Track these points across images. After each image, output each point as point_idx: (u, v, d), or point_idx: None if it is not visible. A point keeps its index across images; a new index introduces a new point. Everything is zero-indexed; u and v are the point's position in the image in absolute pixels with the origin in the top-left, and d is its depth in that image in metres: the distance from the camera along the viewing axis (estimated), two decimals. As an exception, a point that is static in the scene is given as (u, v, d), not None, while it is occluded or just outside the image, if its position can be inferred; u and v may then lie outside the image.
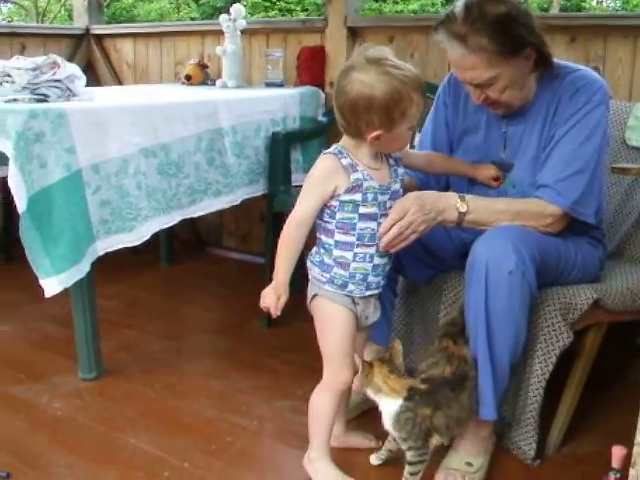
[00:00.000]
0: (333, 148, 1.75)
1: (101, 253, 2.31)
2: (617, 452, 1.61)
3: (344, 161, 1.71)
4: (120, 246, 2.35)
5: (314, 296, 1.82)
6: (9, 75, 2.36)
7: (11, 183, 2.11)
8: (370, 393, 1.75)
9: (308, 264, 1.85)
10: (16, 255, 3.68)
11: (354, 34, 3.19)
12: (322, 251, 1.80)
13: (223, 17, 3.24)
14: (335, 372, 1.81)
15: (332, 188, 1.72)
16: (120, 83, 3.99)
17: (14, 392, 2.33)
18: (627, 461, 1.56)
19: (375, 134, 1.68)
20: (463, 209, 1.83)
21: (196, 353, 2.66)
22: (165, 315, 3.07)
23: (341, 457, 1.92)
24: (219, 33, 3.49)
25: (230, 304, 3.17)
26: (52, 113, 2.16)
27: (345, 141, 1.75)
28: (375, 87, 1.63)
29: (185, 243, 3.92)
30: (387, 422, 1.74)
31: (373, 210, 1.75)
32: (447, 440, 1.80)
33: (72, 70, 2.46)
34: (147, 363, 2.56)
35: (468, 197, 1.86)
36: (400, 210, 1.75)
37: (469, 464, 1.86)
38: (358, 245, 1.76)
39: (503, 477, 1.90)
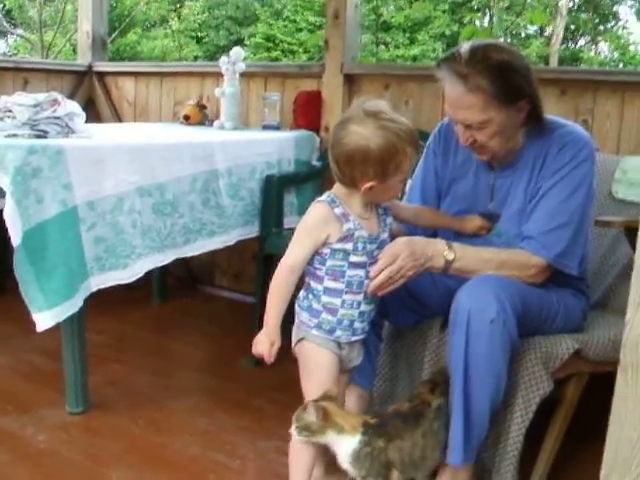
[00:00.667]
0: (326, 196, 1.80)
1: (94, 289, 2.35)
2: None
3: (337, 210, 1.76)
4: (113, 283, 2.38)
5: (300, 340, 1.86)
6: (10, 110, 2.42)
7: (7, 217, 2.15)
8: (328, 436, 1.74)
9: (296, 308, 1.88)
10: (9, 287, 3.70)
11: (350, 81, 3.27)
12: (311, 296, 1.84)
13: (223, 60, 3.31)
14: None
15: (324, 236, 1.76)
16: (120, 120, 4.06)
17: (0, 423, 2.34)
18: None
19: (369, 185, 1.73)
20: (450, 257, 1.88)
21: (182, 390, 2.68)
22: (154, 351, 3.09)
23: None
24: (218, 75, 3.57)
25: (219, 342, 3.19)
26: (50, 149, 2.21)
27: (338, 189, 1.80)
28: (371, 140, 1.69)
29: (178, 280, 3.95)
30: (346, 461, 1.75)
31: (362, 259, 1.79)
32: (409, 476, 1.81)
33: (72, 108, 2.53)
34: (133, 399, 2.57)
35: (455, 245, 1.91)
36: (390, 255, 1.80)
37: (449, 511, 1.87)
38: (347, 292, 1.80)
39: (482, 524, 1.91)
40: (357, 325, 1.84)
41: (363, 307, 1.83)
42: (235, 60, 3.28)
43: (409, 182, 2.38)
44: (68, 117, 2.48)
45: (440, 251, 1.89)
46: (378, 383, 2.22)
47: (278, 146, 3.03)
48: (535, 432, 1.96)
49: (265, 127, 3.34)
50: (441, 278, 2.07)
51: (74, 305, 2.28)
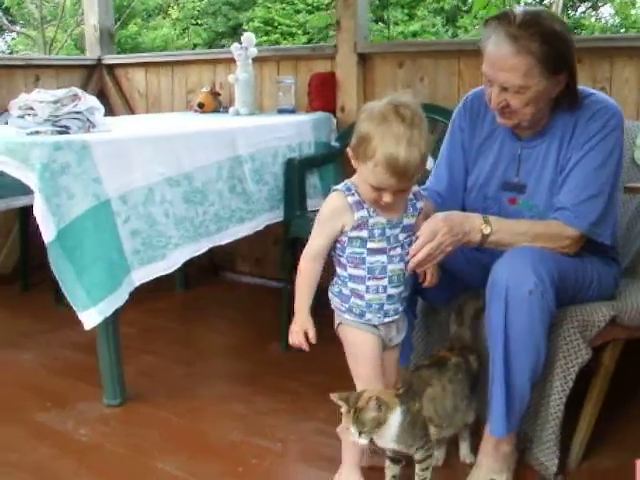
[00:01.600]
0: (342, 185, 1.82)
1: (137, 284, 2.36)
2: (640, 466, 1.64)
3: (350, 199, 1.78)
4: (155, 275, 2.41)
5: (339, 324, 1.90)
6: (31, 108, 2.42)
7: (38, 215, 2.16)
8: (388, 421, 1.75)
9: (329, 295, 1.92)
10: (32, 283, 3.74)
11: (364, 60, 3.27)
12: (339, 282, 1.88)
13: (235, 46, 3.30)
14: None
15: (340, 226, 1.80)
16: (132, 112, 4.05)
17: (40, 419, 2.37)
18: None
19: (350, 153, 1.76)
20: (487, 231, 1.89)
21: (216, 377, 2.70)
22: (183, 341, 3.12)
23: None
24: (230, 61, 3.56)
25: (247, 328, 3.21)
26: (76, 145, 2.22)
27: (356, 177, 1.80)
28: (368, 114, 1.72)
29: (199, 268, 3.96)
30: (392, 440, 1.77)
31: (381, 245, 1.81)
32: (444, 432, 1.88)
33: (92, 102, 2.53)
34: (169, 388, 2.60)
35: (492, 219, 1.92)
36: (430, 232, 1.80)
37: (494, 480, 1.89)
38: (369, 278, 1.83)
39: (526, 493, 1.93)
40: (387, 307, 1.86)
41: (390, 290, 1.85)
42: (247, 45, 3.27)
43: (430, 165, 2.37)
44: (89, 111, 2.48)
45: (477, 225, 1.90)
46: (414, 359, 2.24)
47: (297, 129, 3.03)
48: (573, 401, 1.98)
49: (280, 111, 3.33)
50: (473, 253, 2.08)
51: (120, 298, 2.29)
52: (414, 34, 11.39)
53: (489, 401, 1.88)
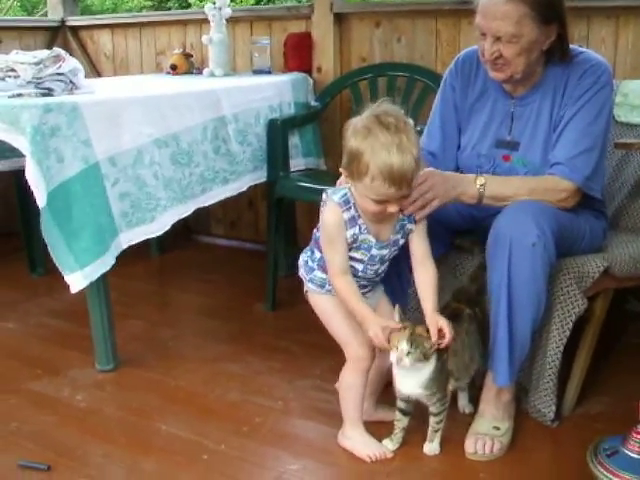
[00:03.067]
0: (340, 196, 1.80)
1: (125, 246, 2.35)
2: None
3: (346, 215, 1.79)
4: (144, 237, 2.40)
5: (306, 292, 1.97)
6: (13, 70, 2.36)
7: (30, 179, 2.12)
8: (429, 361, 1.80)
9: (299, 261, 1.98)
10: (4, 252, 3.66)
11: (340, 20, 3.25)
12: (308, 255, 1.94)
13: (208, 6, 3.25)
14: (351, 352, 1.91)
15: (344, 241, 1.81)
16: (99, 75, 3.96)
17: (35, 388, 2.34)
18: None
19: (344, 173, 1.77)
20: (481, 181, 1.96)
21: (206, 339, 2.71)
22: (166, 303, 3.12)
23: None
24: (201, 22, 3.53)
25: (228, 290, 3.21)
26: (66, 107, 2.18)
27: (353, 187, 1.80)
28: (352, 130, 1.72)
29: (173, 232, 3.93)
30: (420, 385, 1.82)
31: (363, 257, 1.85)
32: (459, 382, 1.95)
33: (74, 63, 2.47)
34: (160, 352, 2.59)
35: (484, 175, 1.99)
36: (422, 176, 1.87)
37: (496, 428, 1.96)
38: None
39: (526, 438, 2.00)
40: None
41: (355, 280, 1.88)
42: (221, 5, 3.22)
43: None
44: (72, 73, 2.43)
45: (471, 179, 1.98)
46: (409, 314, 2.27)
47: (277, 89, 3.01)
48: (565, 350, 2.04)
49: (256, 72, 3.30)
50: (469, 210, 2.13)
51: (106, 263, 2.27)
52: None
53: (491, 351, 1.94)
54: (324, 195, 1.85)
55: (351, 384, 1.93)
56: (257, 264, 3.27)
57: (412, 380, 1.82)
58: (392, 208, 1.74)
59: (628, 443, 1.66)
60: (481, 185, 1.95)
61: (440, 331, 1.79)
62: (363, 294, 1.91)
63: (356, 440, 1.95)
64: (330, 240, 1.82)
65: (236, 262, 3.62)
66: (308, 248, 1.96)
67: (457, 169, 2.23)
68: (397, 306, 1.85)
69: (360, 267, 1.87)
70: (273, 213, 2.87)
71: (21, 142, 2.11)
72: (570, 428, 2.05)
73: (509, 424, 1.99)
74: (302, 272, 1.96)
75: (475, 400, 2.06)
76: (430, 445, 1.92)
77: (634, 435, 1.65)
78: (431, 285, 1.88)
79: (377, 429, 2.00)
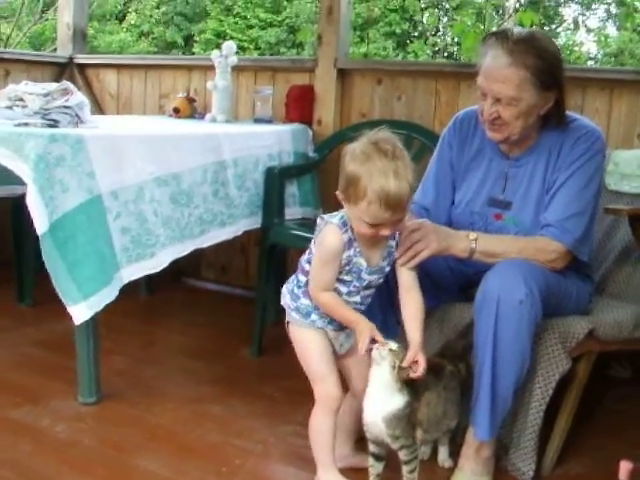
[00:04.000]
0: (338, 218, 1.84)
1: (126, 281, 2.36)
2: (624, 467, 1.72)
3: (345, 236, 1.82)
4: (144, 273, 2.42)
5: (287, 322, 1.97)
6: (22, 99, 2.41)
7: (31, 206, 2.15)
8: (392, 389, 1.82)
9: (283, 290, 1.99)
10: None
11: (343, 75, 3.34)
12: (295, 282, 1.95)
13: (215, 53, 3.34)
14: (324, 391, 1.91)
15: (338, 265, 1.83)
16: (102, 113, 4.02)
17: (14, 415, 2.32)
18: (633, 476, 1.69)
19: (340, 197, 1.81)
20: (473, 237, 2.01)
21: (189, 379, 2.69)
22: (153, 343, 3.11)
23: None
24: (206, 68, 3.60)
25: (215, 333, 3.21)
26: (71, 138, 2.22)
27: (346, 211, 1.84)
28: (352, 156, 1.76)
29: (162, 273, 3.94)
30: (382, 419, 1.82)
31: (350, 279, 1.88)
32: (428, 435, 1.96)
33: (81, 98, 2.53)
34: (143, 389, 2.58)
35: (476, 232, 2.04)
36: (415, 225, 1.95)
37: (475, 483, 1.96)
38: None
39: (504, 496, 2.00)
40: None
41: None
42: (227, 54, 3.31)
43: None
44: (78, 107, 2.48)
45: (462, 235, 2.03)
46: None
47: (277, 138, 3.08)
48: (547, 410, 2.06)
49: (257, 120, 3.37)
50: (458, 265, 2.17)
51: (110, 294, 2.28)
52: (365, 55, 11.55)
53: (473, 407, 1.95)
54: (319, 220, 1.89)
55: (321, 426, 1.92)
56: (246, 310, 3.27)
57: (377, 407, 1.83)
58: (385, 231, 1.78)
59: (606, 504, 1.66)
60: (473, 240, 2.00)
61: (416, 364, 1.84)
62: (345, 328, 1.94)
63: None
64: (326, 261, 1.83)
65: (225, 306, 3.62)
66: (293, 277, 1.97)
67: (450, 225, 2.28)
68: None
69: (345, 289, 1.88)
70: (265, 259, 2.91)
71: (24, 170, 2.15)
72: (549, 489, 2.06)
73: (488, 479, 1.99)
74: (286, 301, 1.96)
75: (455, 455, 2.07)
76: None
77: (613, 496, 1.66)
78: (417, 316, 1.91)
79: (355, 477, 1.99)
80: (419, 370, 1.82)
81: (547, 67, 1.97)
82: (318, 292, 1.86)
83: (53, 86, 2.47)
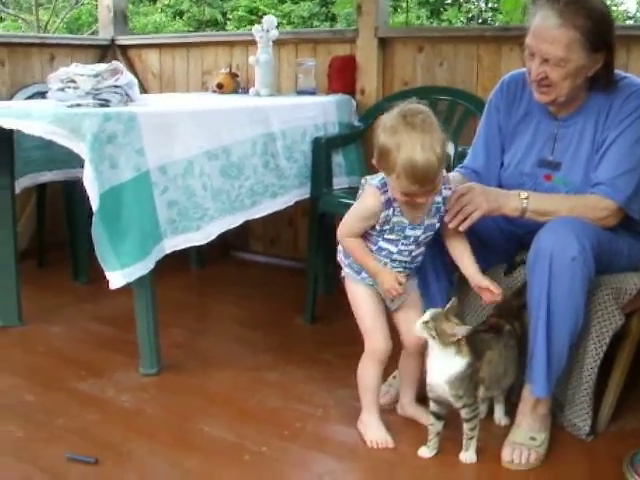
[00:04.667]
0: (379, 180, 1.91)
1: (168, 251, 2.42)
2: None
3: (383, 197, 1.89)
4: (187, 245, 2.47)
5: (343, 277, 2.07)
6: (73, 81, 2.47)
7: (86, 182, 2.22)
8: (444, 351, 1.87)
9: (338, 247, 2.08)
10: (48, 261, 3.77)
11: (384, 45, 3.34)
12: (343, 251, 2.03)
13: (256, 28, 3.36)
14: (370, 343, 2.03)
15: (372, 223, 1.92)
16: (145, 92, 4.08)
17: (79, 387, 2.41)
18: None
19: (376, 165, 1.87)
20: (524, 195, 2.03)
21: (247, 349, 2.76)
22: (207, 315, 3.19)
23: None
24: (246, 43, 3.64)
25: (267, 304, 3.27)
26: (124, 116, 2.28)
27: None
28: (382, 127, 1.83)
29: (211, 247, 4.02)
30: (446, 380, 1.88)
31: (396, 237, 1.95)
32: (489, 392, 2.01)
33: (130, 77, 2.59)
34: (201, 359, 2.66)
35: (529, 191, 2.06)
36: (464, 188, 1.99)
37: (533, 439, 1.99)
38: (376, 252, 1.98)
39: (561, 451, 2.03)
40: None
41: (391, 264, 1.99)
42: (268, 28, 3.33)
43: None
44: (128, 86, 2.54)
45: (513, 194, 2.06)
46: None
47: (322, 110, 3.10)
48: (601, 366, 2.08)
49: (300, 92, 3.39)
50: (509, 227, 2.19)
51: (146, 267, 2.34)
52: (405, 23, 11.46)
53: (529, 364, 1.98)
54: (362, 180, 1.98)
55: (367, 374, 2.06)
56: (296, 281, 3.35)
57: (439, 371, 1.89)
58: (420, 199, 1.84)
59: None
60: (524, 198, 2.02)
61: (488, 291, 1.95)
62: None
63: (367, 425, 2.08)
64: (361, 216, 1.94)
65: (274, 278, 3.69)
66: None
67: (500, 187, 2.29)
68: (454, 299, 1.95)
69: (394, 249, 1.96)
70: (315, 229, 2.95)
71: (81, 148, 2.21)
72: (605, 443, 2.08)
73: (545, 435, 2.02)
74: (341, 257, 2.07)
75: (512, 413, 2.10)
76: (466, 454, 1.96)
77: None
78: (467, 251, 2.01)
79: (416, 435, 2.05)
80: (496, 295, 1.94)
81: (597, 28, 1.96)
82: (345, 236, 1.96)
83: (102, 67, 2.53)
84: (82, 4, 9.81)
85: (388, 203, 1.89)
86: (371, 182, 1.92)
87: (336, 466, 1.99)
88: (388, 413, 2.19)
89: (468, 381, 1.87)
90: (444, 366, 1.88)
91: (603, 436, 2.11)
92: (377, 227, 1.93)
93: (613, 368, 2.18)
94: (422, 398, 2.11)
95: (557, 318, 1.91)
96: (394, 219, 1.91)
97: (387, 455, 2.02)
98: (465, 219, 1.97)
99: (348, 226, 1.97)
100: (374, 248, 1.97)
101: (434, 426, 1.97)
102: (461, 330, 1.85)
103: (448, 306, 1.91)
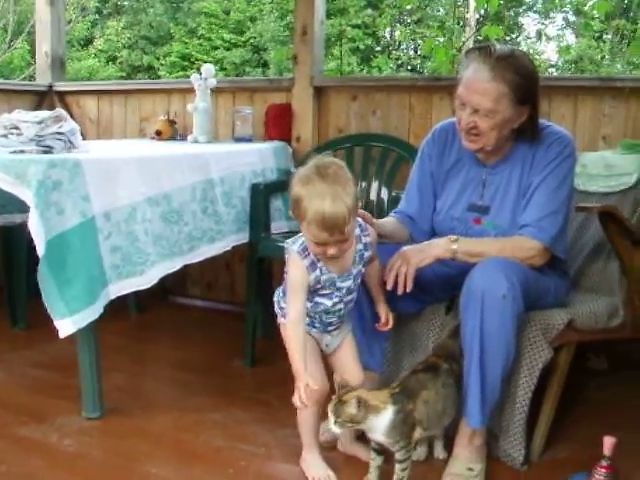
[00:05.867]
0: (299, 245, 1.99)
1: (113, 297, 2.44)
2: (607, 441, 1.86)
3: (306, 261, 1.98)
4: (132, 289, 2.50)
5: (280, 325, 2.13)
6: (16, 127, 2.50)
7: (32, 229, 2.24)
8: (368, 421, 1.92)
9: (274, 298, 2.15)
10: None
11: (319, 93, 3.48)
12: (281, 295, 2.12)
13: (194, 76, 3.45)
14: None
15: (307, 285, 1.99)
16: (83, 138, 4.09)
17: (22, 433, 2.39)
18: (616, 448, 1.83)
19: (292, 215, 1.96)
20: (453, 238, 2.15)
21: (189, 391, 2.78)
22: (148, 359, 3.20)
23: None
24: (185, 91, 3.72)
25: (207, 347, 3.30)
26: (69, 163, 2.32)
27: None
28: (297, 178, 1.93)
29: (149, 292, 4.02)
30: (381, 434, 1.94)
31: (329, 292, 2.04)
32: (428, 432, 2.06)
33: (73, 124, 2.63)
34: (144, 402, 2.67)
35: (457, 235, 2.19)
36: (397, 256, 2.13)
37: (470, 469, 2.08)
38: (312, 307, 2.07)
39: (497, 480, 2.13)
40: (317, 325, 2.11)
41: (325, 318, 2.10)
42: (206, 76, 3.42)
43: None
44: (70, 133, 2.58)
45: (443, 239, 2.18)
46: (384, 366, 2.42)
47: (260, 156, 3.20)
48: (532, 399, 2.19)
49: (237, 139, 3.48)
50: (442, 269, 2.30)
51: (94, 312, 2.36)
52: (340, 72, 11.75)
53: (465, 397, 2.07)
54: (285, 244, 2.04)
55: (306, 413, 2.11)
56: (234, 325, 3.39)
57: (373, 430, 1.95)
58: (332, 250, 1.91)
59: (593, 477, 1.81)
60: (454, 241, 2.14)
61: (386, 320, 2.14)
62: (330, 331, 2.13)
63: (309, 462, 2.14)
64: (293, 289, 1.99)
65: (213, 322, 3.72)
66: (280, 289, 2.13)
67: (432, 232, 2.41)
68: (340, 378, 2.04)
69: (329, 302, 2.05)
70: (254, 273, 3.02)
71: (27, 195, 2.24)
72: (538, 471, 2.19)
73: (482, 466, 2.11)
74: (276, 308, 2.14)
75: (449, 446, 2.18)
76: None
77: (599, 469, 1.80)
78: (375, 278, 2.16)
79: (357, 470, 2.11)
80: (389, 326, 2.15)
81: (524, 83, 2.12)
82: (290, 323, 1.99)
83: (46, 114, 2.56)
84: (14, 48, 9.73)
85: (313, 266, 1.97)
86: (292, 248, 1.99)
87: (282, 503, 2.04)
88: (329, 450, 2.25)
89: (402, 425, 1.93)
90: (375, 427, 1.93)
91: (536, 465, 2.22)
92: (310, 289, 2.01)
93: (544, 400, 2.29)
94: (361, 435, 2.18)
95: (490, 352, 2.02)
96: (323, 277, 1.99)
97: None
98: (404, 279, 2.09)
99: (290, 305, 2.00)
100: (310, 305, 2.05)
101: (375, 460, 2.03)
102: (351, 406, 1.89)
103: (337, 387, 1.98)
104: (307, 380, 1.91)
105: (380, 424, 1.93)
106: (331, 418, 1.91)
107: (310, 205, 1.85)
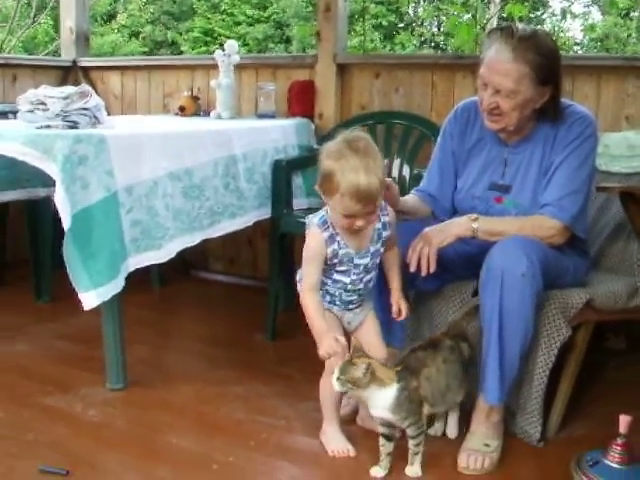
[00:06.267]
0: (319, 218, 2.04)
1: (132, 269, 2.49)
2: (623, 420, 1.87)
3: (325, 234, 2.02)
4: (150, 262, 2.55)
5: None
6: (43, 103, 2.53)
7: (58, 203, 2.29)
8: (368, 390, 1.94)
9: (296, 277, 2.17)
10: (8, 280, 3.79)
11: (342, 70, 3.48)
12: (301, 273, 2.13)
13: (218, 53, 3.47)
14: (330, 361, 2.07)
15: (324, 258, 2.04)
16: (108, 114, 4.13)
17: (47, 402, 2.45)
18: (632, 427, 1.85)
19: (318, 191, 2.00)
20: (473, 217, 2.17)
21: (210, 364, 2.84)
22: (170, 332, 3.25)
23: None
24: (208, 67, 3.73)
25: (229, 321, 3.35)
26: (94, 138, 2.36)
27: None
28: (327, 155, 1.96)
29: (171, 266, 4.07)
30: (386, 409, 1.95)
31: (346, 268, 2.07)
32: (436, 408, 2.09)
33: (98, 100, 2.66)
34: (167, 374, 2.73)
35: (478, 214, 2.20)
36: (418, 237, 2.15)
37: (487, 445, 2.11)
38: (331, 284, 2.10)
39: (514, 457, 2.15)
40: (338, 302, 2.14)
41: (344, 296, 2.13)
42: (230, 52, 3.44)
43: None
44: (96, 108, 2.61)
45: (463, 218, 2.20)
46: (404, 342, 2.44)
47: (282, 133, 3.22)
48: (550, 377, 2.21)
49: (260, 116, 3.50)
50: (462, 247, 2.31)
51: (117, 285, 2.41)
52: (363, 49, 11.70)
53: (483, 373, 2.10)
54: (306, 220, 2.09)
55: (325, 388, 2.14)
56: (255, 299, 3.43)
57: (376, 405, 1.97)
58: (359, 222, 1.96)
59: (609, 454, 1.83)
60: (474, 219, 2.15)
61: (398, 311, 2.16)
62: (352, 309, 2.15)
63: (329, 435, 2.18)
64: (309, 258, 2.04)
65: (234, 297, 3.77)
66: (301, 270, 2.15)
67: (453, 210, 2.43)
68: (356, 341, 2.03)
69: (347, 279, 2.08)
70: (276, 249, 3.05)
71: (53, 169, 2.28)
72: (555, 448, 2.20)
73: (498, 442, 2.14)
74: (299, 287, 2.15)
75: (467, 423, 2.20)
76: (411, 468, 2.03)
77: (614, 447, 1.82)
78: (395, 265, 2.18)
79: (375, 444, 2.12)
80: (402, 316, 2.17)
81: (546, 64, 2.12)
82: (305, 291, 2.05)
83: (72, 89, 2.59)
84: (39, 23, 9.80)
85: (332, 239, 2.02)
86: (312, 221, 2.04)
87: (300, 474, 2.08)
88: (348, 424, 2.28)
89: (408, 402, 1.95)
90: (378, 400, 1.95)
91: (553, 442, 2.24)
92: (328, 262, 2.05)
93: (561, 378, 2.31)
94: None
95: (509, 329, 2.04)
96: (341, 252, 2.03)
97: (348, 463, 2.12)
98: (428, 259, 2.12)
99: (305, 275, 2.06)
100: (329, 282, 2.09)
101: (385, 447, 2.04)
102: (359, 369, 1.91)
103: (352, 349, 1.98)
104: (332, 335, 1.97)
105: (383, 399, 1.95)
106: (335, 373, 1.93)
107: (343, 179, 1.89)
